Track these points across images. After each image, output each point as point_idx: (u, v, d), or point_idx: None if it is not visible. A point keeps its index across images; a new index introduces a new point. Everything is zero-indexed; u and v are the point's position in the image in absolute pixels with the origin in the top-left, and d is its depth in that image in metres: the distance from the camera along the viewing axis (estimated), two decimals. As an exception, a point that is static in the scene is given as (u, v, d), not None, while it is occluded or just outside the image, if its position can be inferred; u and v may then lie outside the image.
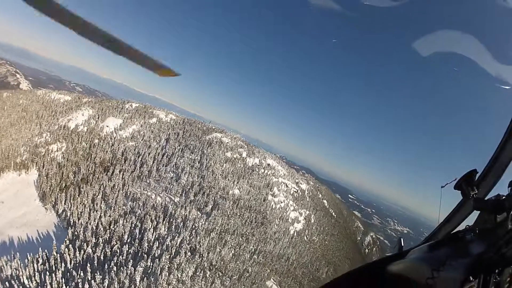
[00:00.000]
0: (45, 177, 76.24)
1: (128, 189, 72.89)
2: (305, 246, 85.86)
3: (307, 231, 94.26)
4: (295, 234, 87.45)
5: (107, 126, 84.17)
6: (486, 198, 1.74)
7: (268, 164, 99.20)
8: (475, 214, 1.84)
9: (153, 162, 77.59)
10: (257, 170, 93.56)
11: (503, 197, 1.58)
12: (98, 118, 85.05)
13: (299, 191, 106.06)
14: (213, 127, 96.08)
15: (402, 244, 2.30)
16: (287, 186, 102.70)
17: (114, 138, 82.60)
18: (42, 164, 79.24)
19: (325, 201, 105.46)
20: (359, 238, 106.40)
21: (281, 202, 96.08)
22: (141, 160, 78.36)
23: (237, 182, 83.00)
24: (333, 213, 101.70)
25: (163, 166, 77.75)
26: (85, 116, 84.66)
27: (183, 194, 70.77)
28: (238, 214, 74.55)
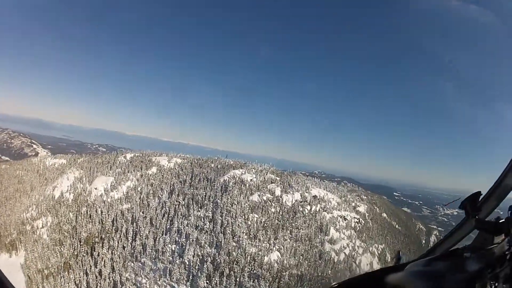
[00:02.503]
0: (30, 261, 58.92)
1: (115, 276, 49.68)
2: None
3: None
4: None
5: (96, 189, 65.35)
6: (487, 219, 1.87)
7: (314, 196, 69.86)
8: (474, 233, 1.97)
9: (149, 232, 54.36)
10: (301, 210, 64.87)
11: (503, 220, 1.68)
12: (85, 180, 67.16)
13: (360, 219, 74.34)
14: (231, 163, 71.77)
15: (401, 257, 2.32)
16: (345, 219, 71.47)
17: (104, 202, 62.77)
18: (27, 245, 62.97)
19: (384, 214, 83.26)
20: (424, 241, 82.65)
21: (345, 248, 65.33)
22: (134, 230, 55.92)
23: (275, 239, 54.87)
24: (396, 225, 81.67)
25: (162, 234, 53.88)
26: (71, 180, 67.50)
27: (190, 279, 44.73)
28: (284, 296, 45.42)
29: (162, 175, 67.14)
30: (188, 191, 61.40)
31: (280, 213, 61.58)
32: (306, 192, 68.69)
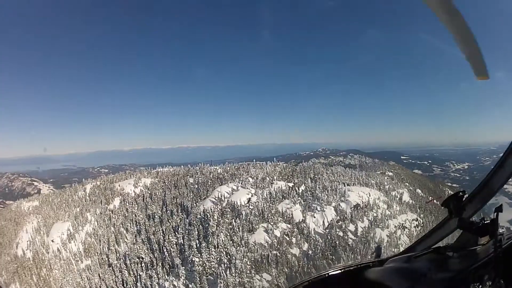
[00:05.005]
0: None
1: None
2: None
3: None
4: None
5: (53, 241, 49.10)
6: (471, 220, 1.78)
7: (356, 206, 42.21)
8: (457, 232, 1.94)
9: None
10: (342, 237, 38.57)
11: (487, 221, 1.61)
12: (42, 230, 51.44)
13: (418, 218, 49.22)
14: (218, 171, 47.31)
15: (381, 252, 2.28)
16: (404, 228, 44.69)
17: (61, 260, 46.23)
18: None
19: (418, 191, 67.97)
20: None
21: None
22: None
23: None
24: (434, 200, 67.19)
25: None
26: (29, 232, 52.55)
27: None
28: None
29: (126, 209, 47.08)
30: (153, 237, 39.90)
31: (309, 255, 36.11)
32: (342, 201, 41.20)
